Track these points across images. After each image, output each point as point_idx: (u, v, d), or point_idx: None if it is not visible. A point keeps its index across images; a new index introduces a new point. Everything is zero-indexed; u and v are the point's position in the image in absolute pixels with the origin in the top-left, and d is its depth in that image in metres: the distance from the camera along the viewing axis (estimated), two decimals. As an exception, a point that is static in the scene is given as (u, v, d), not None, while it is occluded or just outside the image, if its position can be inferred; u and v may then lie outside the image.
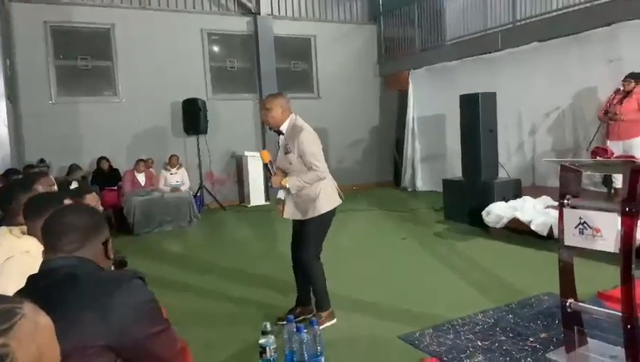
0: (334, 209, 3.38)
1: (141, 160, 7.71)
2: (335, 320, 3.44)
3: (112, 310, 1.23)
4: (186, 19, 8.88)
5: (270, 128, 3.40)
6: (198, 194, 8.51)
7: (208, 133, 8.65)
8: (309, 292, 3.49)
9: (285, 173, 3.33)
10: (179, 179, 7.76)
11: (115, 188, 7.75)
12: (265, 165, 3.33)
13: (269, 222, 7.62)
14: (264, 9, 9.40)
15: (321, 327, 3.15)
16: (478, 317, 3.41)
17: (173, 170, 7.81)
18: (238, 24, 9.37)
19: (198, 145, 8.67)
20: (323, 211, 3.28)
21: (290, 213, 3.37)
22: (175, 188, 7.63)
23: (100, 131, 8.17)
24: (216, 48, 9.43)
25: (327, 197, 3.31)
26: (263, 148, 9.38)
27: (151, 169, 8.01)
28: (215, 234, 6.94)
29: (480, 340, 3.06)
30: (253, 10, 9.38)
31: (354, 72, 10.40)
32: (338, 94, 9.98)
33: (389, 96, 10.82)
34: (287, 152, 3.26)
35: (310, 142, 3.21)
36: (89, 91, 8.37)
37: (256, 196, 9.12)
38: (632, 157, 5.14)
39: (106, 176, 7.78)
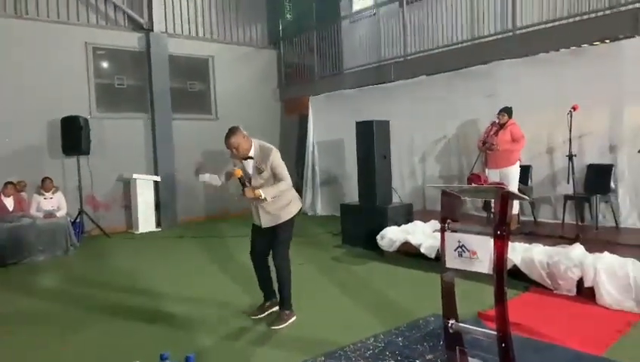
0: (298, 212, 3.99)
1: (9, 182, 6.83)
2: (295, 317, 3.90)
3: None
4: (68, 32, 8.19)
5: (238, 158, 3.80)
6: (78, 220, 7.75)
7: (91, 154, 7.97)
8: (273, 286, 4.03)
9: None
10: (54, 204, 7.00)
11: (-23, 214, 6.77)
12: (239, 179, 3.69)
13: (158, 250, 7.15)
14: (157, 26, 9.00)
15: (286, 324, 3.80)
16: (369, 341, 3.43)
17: (48, 195, 7.02)
18: (129, 40, 8.86)
19: (78, 167, 7.92)
20: (293, 213, 3.89)
21: (267, 221, 3.83)
22: (50, 214, 6.85)
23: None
24: (102, 64, 8.79)
25: (295, 202, 3.95)
26: (155, 169, 8.94)
27: (22, 193, 7.14)
28: (95, 264, 6.30)
29: (370, 366, 3.04)
30: (145, 27, 8.93)
31: (254, 95, 10.31)
32: (238, 117, 9.61)
33: (290, 121, 10.88)
34: (260, 172, 3.74)
35: (280, 159, 3.79)
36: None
37: (146, 222, 8.55)
38: (502, 184, 5.58)
39: (-35, 201, 6.78)
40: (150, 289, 4.98)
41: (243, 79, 10.18)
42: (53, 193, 7.08)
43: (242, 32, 10.46)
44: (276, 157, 3.75)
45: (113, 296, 4.83)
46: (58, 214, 6.98)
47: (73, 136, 7.71)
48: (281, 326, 3.78)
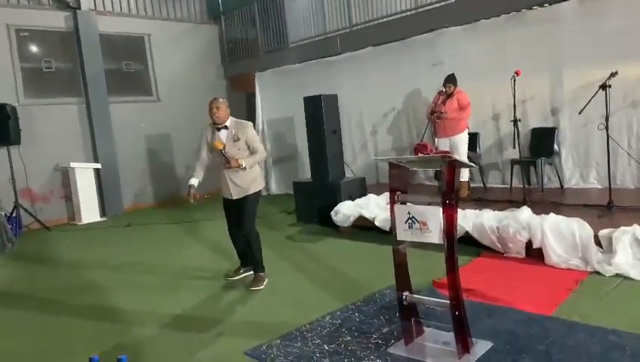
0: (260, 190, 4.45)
1: None
2: (267, 279, 4.28)
3: None
4: (-14, 14, 7.53)
5: (216, 124, 4.21)
6: (14, 215, 7.27)
7: (23, 144, 7.42)
8: (248, 255, 4.40)
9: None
10: (-17, 199, 6.50)
11: None
12: (219, 151, 4.10)
13: (103, 240, 6.81)
14: (85, 3, 8.36)
15: (263, 285, 4.19)
16: (325, 319, 3.38)
17: (-24, 189, 6.50)
18: (55, 20, 8.20)
19: (10, 159, 7.38)
20: (260, 188, 4.36)
21: (236, 193, 4.23)
22: (-20, 212, 6.36)
23: None
24: (28, 47, 8.12)
25: (260, 179, 4.43)
26: (95, 157, 8.50)
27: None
28: (35, 260, 5.93)
29: (327, 344, 3.01)
30: (72, 5, 8.27)
31: (197, 74, 9.87)
32: (180, 97, 9.37)
33: (237, 99, 10.49)
34: (235, 140, 4.16)
35: (255, 133, 4.32)
36: None
37: (89, 212, 8.11)
38: (447, 152, 5.61)
39: None
40: (94, 283, 4.72)
41: (184, 57, 9.71)
42: (-19, 187, 6.57)
43: (179, 7, 9.91)
44: (252, 131, 4.25)
45: (54, 292, 4.54)
46: (-10, 210, 6.49)
47: (1, 125, 7.14)
48: (259, 287, 4.17)
